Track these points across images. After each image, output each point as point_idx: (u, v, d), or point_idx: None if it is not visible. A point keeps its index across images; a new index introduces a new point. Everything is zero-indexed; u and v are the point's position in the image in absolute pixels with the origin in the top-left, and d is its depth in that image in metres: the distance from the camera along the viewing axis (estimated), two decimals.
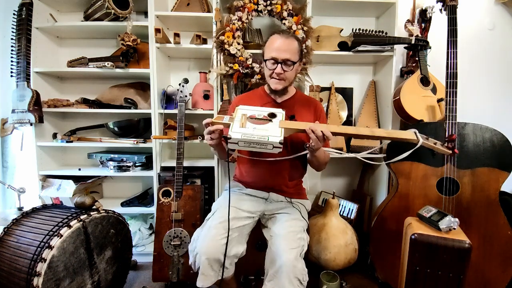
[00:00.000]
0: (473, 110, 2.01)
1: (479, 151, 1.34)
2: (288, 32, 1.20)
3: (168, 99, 1.84)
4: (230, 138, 0.97)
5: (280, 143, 0.96)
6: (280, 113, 1.07)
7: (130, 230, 1.52)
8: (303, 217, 1.25)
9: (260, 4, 1.65)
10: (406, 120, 1.75)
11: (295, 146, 1.24)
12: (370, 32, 1.74)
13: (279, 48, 1.16)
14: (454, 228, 1.10)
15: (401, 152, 1.36)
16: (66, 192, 1.77)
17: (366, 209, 1.96)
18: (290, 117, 1.24)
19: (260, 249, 1.39)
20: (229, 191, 1.19)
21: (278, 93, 1.28)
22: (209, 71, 1.86)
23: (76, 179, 1.83)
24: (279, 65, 1.16)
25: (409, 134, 1.09)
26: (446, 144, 1.14)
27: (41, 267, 1.07)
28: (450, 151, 1.14)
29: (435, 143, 1.11)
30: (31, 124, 1.72)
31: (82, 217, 1.25)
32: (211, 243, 1.09)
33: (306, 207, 1.36)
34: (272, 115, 1.05)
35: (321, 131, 1.01)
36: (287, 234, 1.12)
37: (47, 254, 1.10)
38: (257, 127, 1.00)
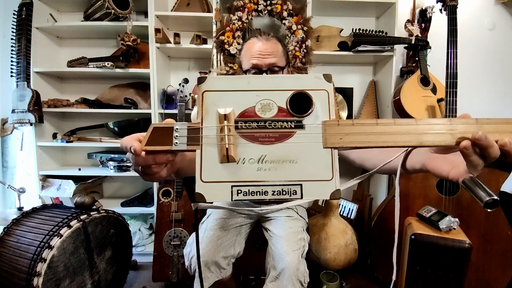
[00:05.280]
0: (473, 110, 2.01)
1: None
2: (268, 34, 1.01)
3: (168, 99, 1.84)
4: (206, 202, 0.41)
5: (333, 198, 0.41)
6: (322, 90, 0.43)
7: (130, 230, 1.51)
8: (301, 216, 1.23)
9: (260, 4, 1.65)
10: None
11: None
12: (370, 32, 1.74)
13: (261, 52, 0.95)
14: (454, 228, 1.10)
15: None
16: (66, 192, 1.77)
17: (366, 209, 1.96)
18: None
19: (260, 249, 1.39)
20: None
21: None
22: (209, 71, 1.86)
23: (76, 179, 1.83)
24: (264, 74, 0.95)
25: None
26: None
27: (41, 267, 1.07)
28: None
29: None
30: (31, 124, 1.72)
31: (82, 217, 1.25)
32: (208, 245, 1.07)
33: (302, 205, 1.32)
34: (306, 103, 0.43)
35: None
36: (288, 235, 1.10)
37: (47, 254, 1.09)
38: (269, 153, 0.41)
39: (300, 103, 0.42)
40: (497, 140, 0.40)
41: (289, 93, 0.42)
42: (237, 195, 0.40)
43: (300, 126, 0.42)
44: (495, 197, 0.38)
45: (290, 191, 0.41)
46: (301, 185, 0.41)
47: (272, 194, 0.41)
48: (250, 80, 0.43)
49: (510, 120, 0.42)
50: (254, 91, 0.43)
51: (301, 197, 0.41)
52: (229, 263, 1.13)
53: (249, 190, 0.40)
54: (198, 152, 0.41)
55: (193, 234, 1.18)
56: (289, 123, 0.42)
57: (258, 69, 0.96)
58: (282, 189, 0.41)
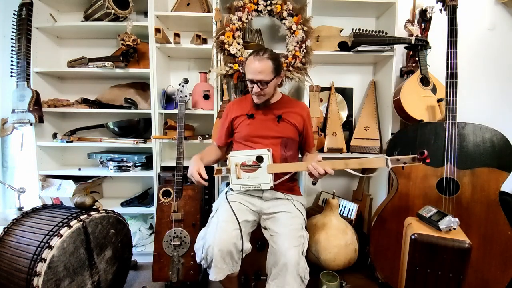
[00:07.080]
0: (473, 110, 2.01)
1: (479, 151, 1.34)
2: (262, 54, 1.27)
3: (168, 99, 1.84)
4: (232, 190, 1.33)
5: (271, 188, 1.24)
6: (266, 154, 1.23)
7: (130, 230, 1.52)
8: (301, 213, 1.28)
9: (260, 4, 1.65)
10: (406, 120, 1.75)
11: (290, 145, 1.38)
12: (370, 32, 1.74)
13: (254, 70, 1.26)
14: (454, 228, 1.10)
15: (401, 153, 1.35)
16: (66, 192, 1.77)
17: (366, 209, 1.96)
18: (278, 117, 1.37)
19: (260, 249, 1.39)
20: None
21: (261, 104, 1.38)
22: (209, 71, 1.86)
23: (76, 179, 1.83)
24: (255, 85, 1.28)
25: (380, 162, 1.11)
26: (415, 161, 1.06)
27: (41, 267, 1.07)
28: (420, 162, 1.05)
29: (404, 163, 1.07)
30: (31, 124, 1.72)
31: (82, 217, 1.25)
32: (223, 235, 1.12)
33: (301, 202, 1.38)
34: (260, 159, 1.24)
35: (324, 169, 1.13)
36: (289, 232, 1.15)
37: (47, 254, 1.10)
38: (251, 176, 1.25)
39: (259, 159, 1.24)
40: (324, 168, 1.14)
41: (255, 156, 1.25)
42: (241, 188, 1.28)
43: (259, 166, 1.25)
44: (315, 182, 1.20)
45: (257, 185, 1.25)
46: (261, 184, 1.25)
47: (253, 187, 1.26)
48: (243, 153, 1.28)
49: (332, 161, 1.18)
50: (245, 156, 1.27)
51: (261, 188, 1.25)
52: (240, 258, 1.17)
53: (245, 186, 1.28)
54: (229, 175, 1.29)
55: (204, 228, 1.25)
56: (256, 166, 1.25)
57: (251, 81, 1.29)
58: (255, 186, 1.26)
